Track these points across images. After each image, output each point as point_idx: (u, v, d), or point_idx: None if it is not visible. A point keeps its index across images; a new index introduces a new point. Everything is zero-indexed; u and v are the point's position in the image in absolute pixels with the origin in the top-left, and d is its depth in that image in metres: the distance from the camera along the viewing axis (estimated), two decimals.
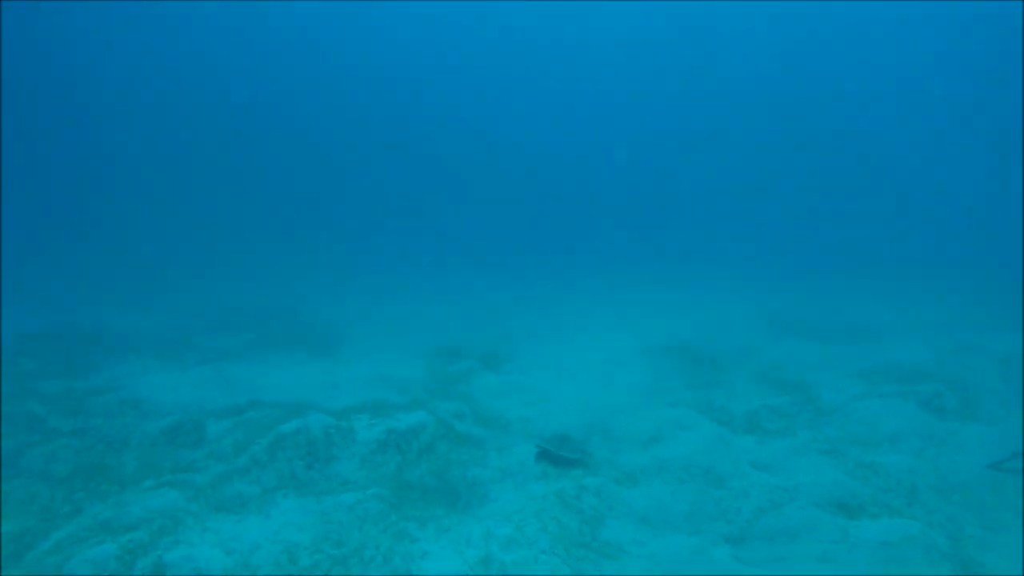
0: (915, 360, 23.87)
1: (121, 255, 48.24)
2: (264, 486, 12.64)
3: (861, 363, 23.95)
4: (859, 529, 10.77)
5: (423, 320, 30.02)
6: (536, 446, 14.18)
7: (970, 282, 42.01)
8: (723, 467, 14.01)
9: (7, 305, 28.89)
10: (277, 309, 30.35)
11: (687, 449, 14.67)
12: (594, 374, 23.15)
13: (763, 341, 28.44)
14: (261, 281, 39.74)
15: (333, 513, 11.10)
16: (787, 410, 18.16)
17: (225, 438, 14.76)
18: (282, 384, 19.59)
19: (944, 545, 10.36)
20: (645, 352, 26.05)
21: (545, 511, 11.50)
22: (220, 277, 41.61)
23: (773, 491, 12.33)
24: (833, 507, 11.70)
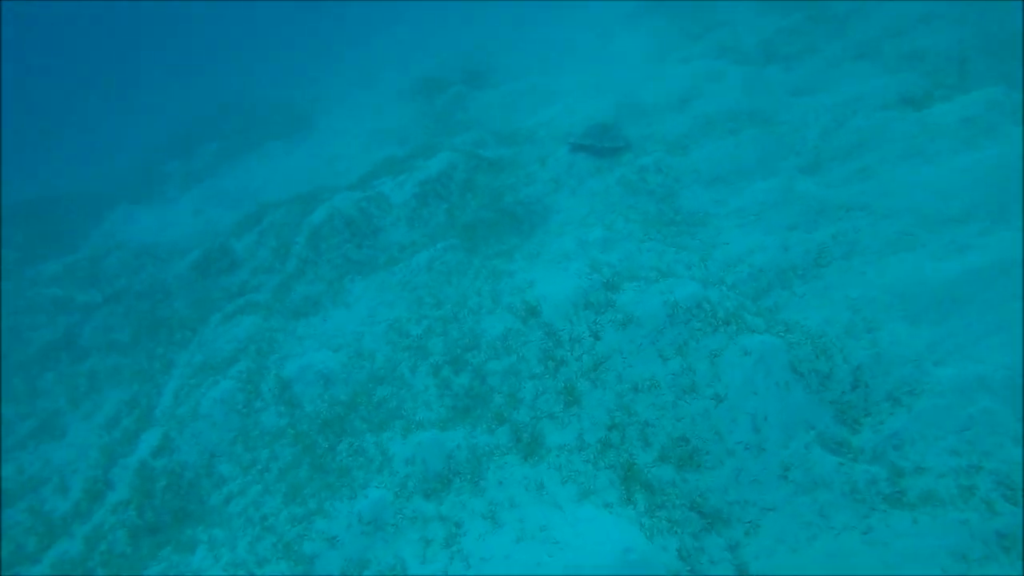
0: None
1: (37, 118, 42.61)
2: (326, 279, 12.25)
3: None
4: (934, 115, 10.37)
5: (385, 66, 27.15)
6: (572, 144, 13.38)
7: None
8: (766, 105, 13.32)
9: None
10: (224, 111, 27.36)
11: (722, 100, 13.84)
12: (588, 56, 21.42)
13: None
14: (190, 87, 35.46)
15: (413, 279, 10.81)
16: (802, 27, 16.85)
17: (259, 250, 14.06)
18: (278, 179, 18.28)
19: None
20: (629, 16, 23.85)
21: (616, 204, 11.14)
22: (142, 99, 37.13)
23: (831, 110, 11.76)
24: (898, 104, 11.22)
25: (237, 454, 8.66)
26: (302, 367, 9.48)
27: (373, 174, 15.08)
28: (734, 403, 6.65)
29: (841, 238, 8.64)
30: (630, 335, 7.60)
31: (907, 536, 5.35)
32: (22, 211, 24.34)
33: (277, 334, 10.86)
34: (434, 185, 13.12)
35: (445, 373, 8.52)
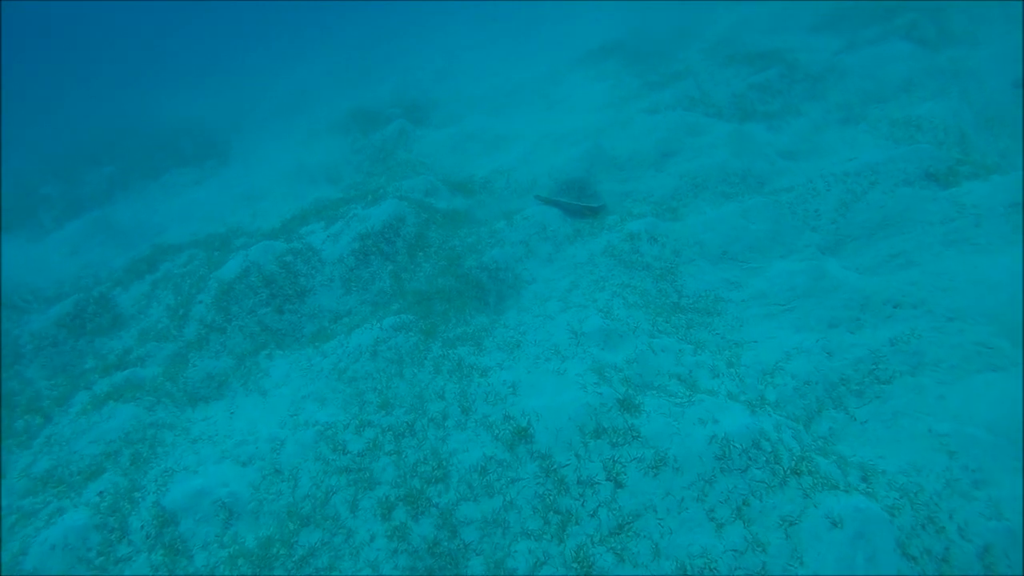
0: None
1: None
2: (236, 353, 9.63)
3: (812, 10, 21.49)
4: (969, 196, 9.10)
5: (313, 94, 24.59)
6: (543, 200, 11.47)
7: None
8: (758, 167, 11.91)
9: None
10: (126, 130, 23.89)
11: (708, 158, 12.32)
12: (538, 97, 19.80)
13: (694, 15, 25.18)
14: (93, 98, 31.46)
15: (352, 365, 8.39)
16: (776, 85, 15.84)
17: (151, 307, 11.23)
18: (185, 214, 15.36)
19: None
20: (580, 58, 22.55)
21: (607, 280, 9.20)
22: (34, 106, 32.66)
23: (842, 180, 10.38)
24: (921, 179, 9.93)
25: None
26: (195, 492, 6.85)
27: (300, 219, 12.59)
28: None
29: (902, 346, 6.99)
30: (665, 484, 5.54)
31: None
32: None
33: (164, 432, 8.14)
34: (377, 240, 10.81)
35: (400, 516, 6.16)
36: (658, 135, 13.63)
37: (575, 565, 5.29)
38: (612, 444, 5.94)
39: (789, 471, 5.42)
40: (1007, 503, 5.21)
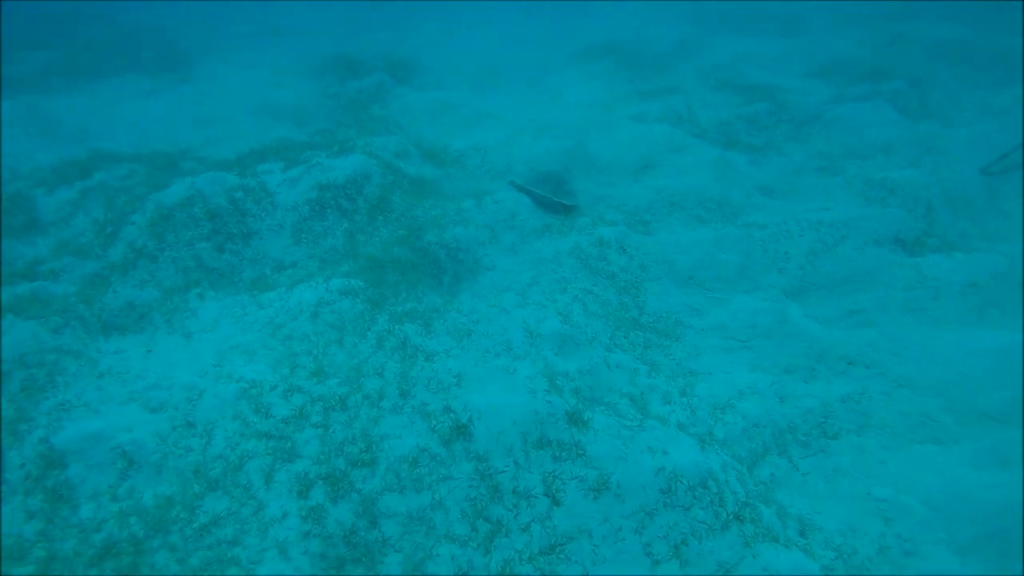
0: (858, 54, 22.05)
1: None
2: (165, 287, 8.87)
3: (809, 58, 21.78)
4: (933, 268, 9.23)
5: (296, 28, 23.26)
6: (517, 188, 11.08)
7: None
8: (736, 197, 11.85)
9: None
10: (84, 18, 21.96)
11: (689, 178, 12.19)
12: (527, 82, 19.34)
13: (696, 36, 25.11)
14: None
15: (290, 323, 7.82)
16: (763, 120, 15.87)
17: (75, 217, 10.27)
18: (130, 123, 14.15)
19: None
20: (574, 56, 22.14)
21: (570, 282, 8.89)
22: None
23: (815, 227, 10.39)
24: (890, 242, 10.04)
25: None
26: (92, 434, 6.19)
27: (258, 155, 11.77)
28: None
29: (851, 404, 6.98)
30: (605, 509, 5.29)
31: None
32: None
33: (67, 360, 7.38)
34: (337, 194, 10.18)
35: (317, 496, 5.70)
36: (642, 145, 13.44)
37: None
38: (555, 458, 5.65)
39: (732, 516, 5.25)
40: (928, 572, 5.21)
